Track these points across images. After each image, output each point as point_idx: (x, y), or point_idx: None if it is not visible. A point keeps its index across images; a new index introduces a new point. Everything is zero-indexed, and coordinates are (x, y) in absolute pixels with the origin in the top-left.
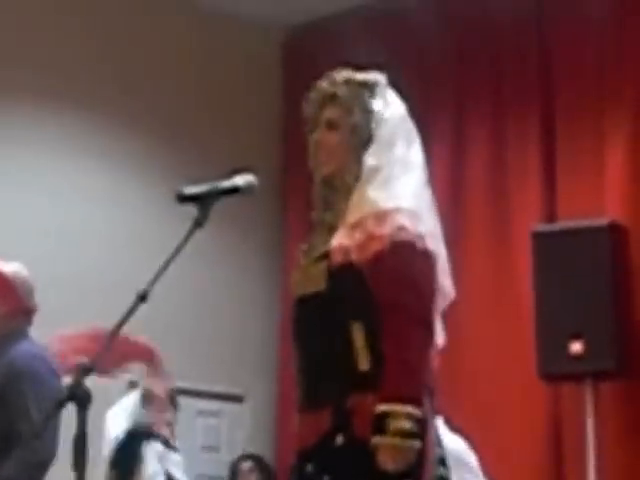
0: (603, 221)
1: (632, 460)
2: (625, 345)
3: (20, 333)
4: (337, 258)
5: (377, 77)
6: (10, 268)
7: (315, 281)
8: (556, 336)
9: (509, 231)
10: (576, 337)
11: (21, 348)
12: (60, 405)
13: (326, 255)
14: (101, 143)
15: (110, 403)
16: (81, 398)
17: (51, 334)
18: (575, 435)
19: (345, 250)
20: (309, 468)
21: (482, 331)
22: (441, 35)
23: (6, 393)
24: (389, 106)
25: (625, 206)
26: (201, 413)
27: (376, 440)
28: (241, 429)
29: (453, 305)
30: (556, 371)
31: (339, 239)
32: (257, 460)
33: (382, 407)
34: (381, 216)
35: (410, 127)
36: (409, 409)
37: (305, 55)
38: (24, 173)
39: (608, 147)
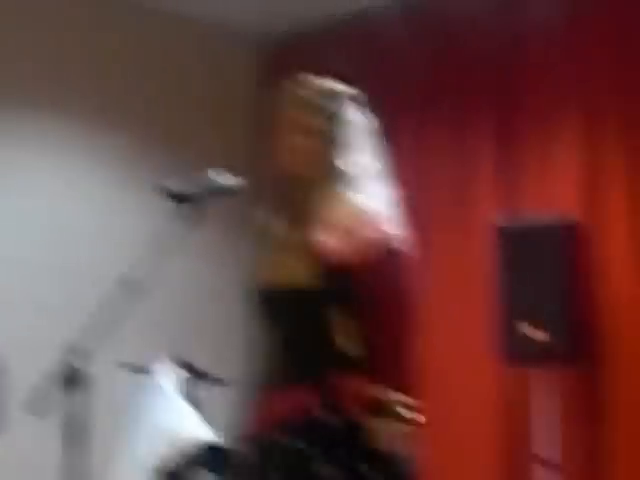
0: (559, 218)
1: (587, 441)
2: (580, 332)
3: None
4: (327, 256)
5: (343, 86)
6: None
7: (299, 274)
8: (515, 322)
9: (472, 226)
10: (535, 324)
11: None
12: (53, 385)
13: (305, 250)
14: (89, 144)
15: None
16: (73, 379)
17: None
18: (534, 417)
19: (339, 251)
20: (283, 441)
21: (447, 319)
22: (407, 43)
23: None
24: (353, 114)
25: (580, 204)
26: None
27: (376, 423)
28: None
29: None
30: (514, 355)
31: (329, 238)
32: None
33: (378, 394)
34: (371, 221)
35: (371, 133)
36: (401, 397)
37: (278, 61)
38: (20, 173)
39: (562, 147)
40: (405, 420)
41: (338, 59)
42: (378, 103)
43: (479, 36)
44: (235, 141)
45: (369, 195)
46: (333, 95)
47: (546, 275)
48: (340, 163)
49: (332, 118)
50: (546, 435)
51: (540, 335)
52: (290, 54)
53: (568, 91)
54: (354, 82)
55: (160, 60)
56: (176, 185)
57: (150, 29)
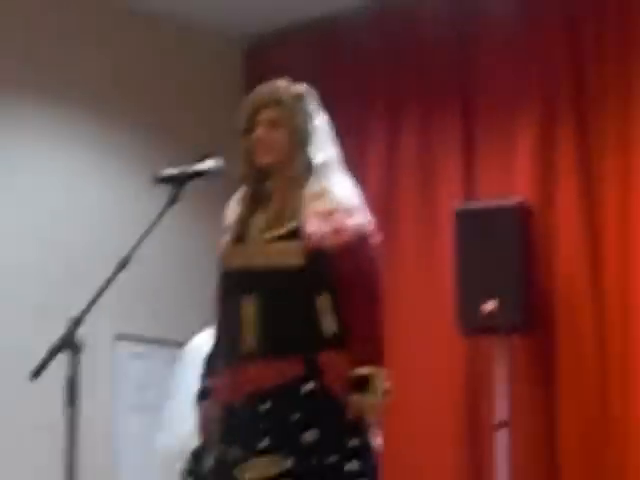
0: (512, 201)
1: (535, 401)
2: (530, 305)
3: None
4: (314, 241)
5: (309, 88)
6: None
7: (288, 256)
8: (473, 297)
9: (435, 209)
10: (490, 297)
11: None
12: (56, 351)
13: (294, 236)
14: (90, 135)
15: (97, 352)
16: (74, 346)
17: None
18: (489, 380)
19: (320, 236)
20: (265, 406)
21: (412, 294)
22: (377, 46)
23: None
24: (319, 112)
25: (531, 189)
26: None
27: (359, 398)
28: None
29: (388, 271)
30: (473, 326)
31: (313, 225)
32: None
33: (363, 370)
34: (348, 211)
35: (331, 130)
36: (384, 372)
37: (263, 61)
38: (27, 161)
39: (519, 138)
40: (382, 392)
41: (315, 57)
42: (349, 99)
43: (441, 37)
44: (221, 132)
45: (342, 185)
46: (303, 96)
47: (500, 253)
48: (316, 156)
49: (305, 116)
50: (501, 398)
51: (495, 308)
52: (273, 54)
53: (523, 88)
54: (325, 80)
55: (154, 61)
56: (165, 171)
57: (143, 32)
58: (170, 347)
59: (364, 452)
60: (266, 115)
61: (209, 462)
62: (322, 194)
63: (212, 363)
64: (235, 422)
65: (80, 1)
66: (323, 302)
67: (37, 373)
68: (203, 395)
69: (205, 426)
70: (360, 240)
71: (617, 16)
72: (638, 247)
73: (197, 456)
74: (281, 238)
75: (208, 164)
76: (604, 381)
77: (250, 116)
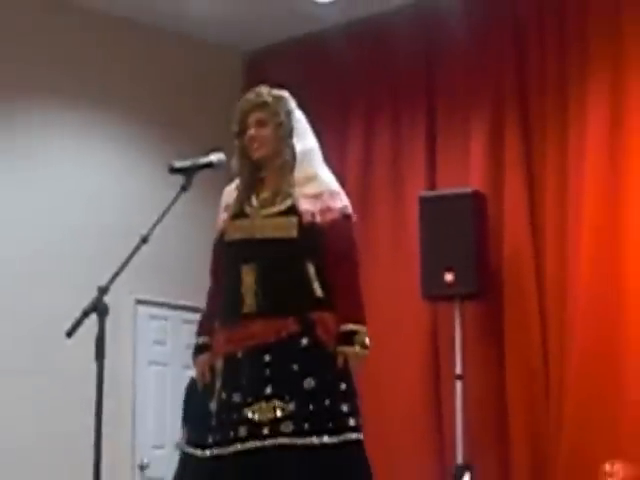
0: (468, 189)
1: (487, 357)
2: (482, 276)
3: None
4: (307, 218)
5: (287, 93)
6: None
7: (284, 229)
8: (435, 269)
9: (403, 195)
10: (449, 270)
11: None
12: (86, 314)
13: (289, 212)
14: (112, 131)
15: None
16: (102, 310)
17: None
18: (448, 339)
19: (312, 213)
20: (267, 358)
21: (384, 266)
22: (356, 58)
23: None
24: (297, 110)
25: (483, 179)
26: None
27: (346, 349)
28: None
29: (364, 247)
30: (434, 294)
31: (305, 204)
32: None
33: (350, 326)
34: (334, 193)
35: (309, 124)
36: (366, 329)
37: (260, 71)
38: (55, 153)
39: (473, 137)
40: (364, 346)
41: (303, 68)
42: (332, 103)
43: (409, 52)
44: (224, 132)
45: (325, 171)
46: (283, 98)
47: (458, 233)
48: (298, 145)
49: (288, 113)
50: (458, 355)
51: (453, 279)
52: (268, 65)
53: (476, 96)
54: (312, 87)
55: (170, 72)
56: (178, 162)
57: (162, 48)
58: (181, 310)
59: (351, 395)
60: (254, 117)
61: (212, 406)
62: (311, 178)
63: (206, 323)
64: (237, 371)
65: (115, 24)
66: (313, 269)
67: (71, 332)
68: (199, 350)
69: (204, 375)
70: (344, 219)
71: (555, 36)
72: (573, 226)
73: (189, 394)
74: (278, 214)
75: (213, 157)
76: (544, 339)
77: (241, 119)
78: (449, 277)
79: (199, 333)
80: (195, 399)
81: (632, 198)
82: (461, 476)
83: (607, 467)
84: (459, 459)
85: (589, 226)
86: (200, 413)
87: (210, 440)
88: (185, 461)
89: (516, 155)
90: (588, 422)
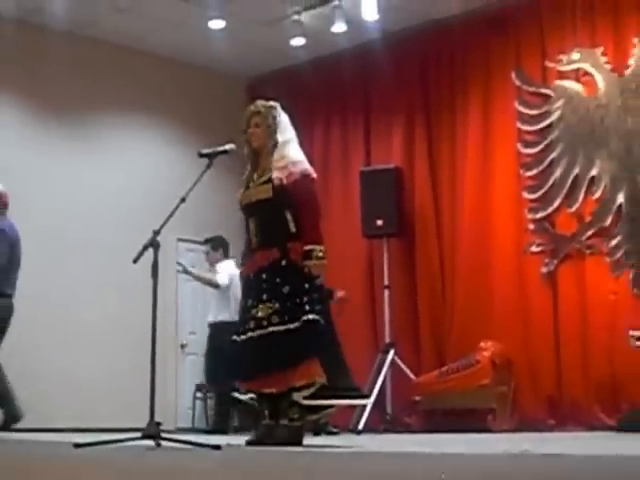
0: (391, 165)
1: (404, 273)
2: (400, 222)
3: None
4: (277, 182)
5: (275, 103)
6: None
7: (265, 193)
8: (370, 218)
9: (350, 169)
10: (379, 218)
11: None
12: (146, 248)
13: (268, 181)
14: (156, 132)
15: (168, 248)
16: (155, 245)
17: (142, 223)
18: (379, 262)
19: (280, 179)
20: (264, 276)
21: (337, 215)
22: (320, 83)
23: None
24: (282, 115)
25: (401, 160)
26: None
27: (307, 262)
28: None
29: (325, 203)
30: (370, 234)
31: (276, 174)
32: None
33: (309, 246)
34: (295, 162)
35: (290, 124)
36: (321, 247)
37: (259, 92)
38: (119, 148)
39: (394, 133)
40: (322, 259)
41: (290, 90)
42: (309, 112)
43: (353, 79)
44: (235, 134)
45: (294, 151)
46: (274, 108)
47: (385, 194)
48: (280, 138)
49: (274, 117)
50: (386, 272)
51: (382, 224)
52: (265, 88)
53: (397, 107)
54: (298, 103)
55: (192, 92)
56: (204, 150)
57: (186, 76)
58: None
59: (312, 291)
60: (253, 120)
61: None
62: (283, 157)
63: (244, 254)
64: (249, 286)
65: (158, 61)
66: (290, 215)
67: (136, 260)
68: (240, 273)
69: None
70: (303, 178)
71: (447, 70)
72: (459, 190)
73: None
74: (262, 183)
75: (227, 146)
76: (441, 260)
77: (246, 122)
78: (379, 222)
79: (241, 264)
80: None
81: (497, 173)
82: (388, 350)
83: (482, 344)
84: (387, 339)
85: (469, 189)
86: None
87: (240, 329)
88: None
89: (422, 145)
90: (470, 313)
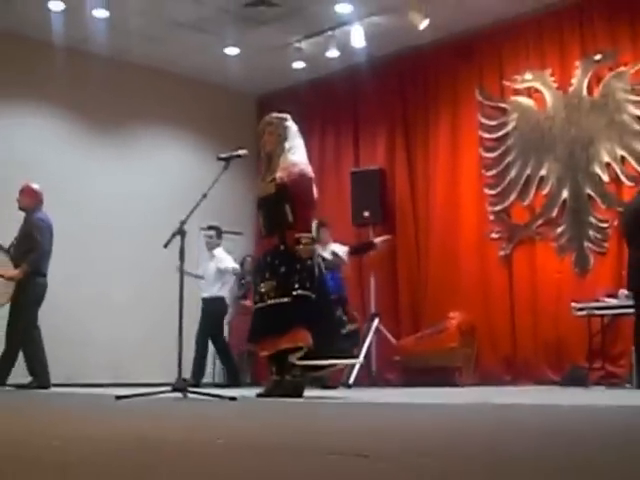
0: (376, 167)
1: (386, 261)
2: (383, 213)
3: (38, 209)
4: (279, 181)
5: (286, 115)
6: (36, 185)
7: (270, 190)
8: (359, 209)
9: (342, 170)
10: (366, 210)
11: (37, 216)
12: (174, 235)
13: (273, 180)
14: (182, 142)
15: (192, 236)
16: (182, 233)
17: (171, 215)
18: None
19: (282, 178)
20: (268, 259)
21: (332, 208)
22: (317, 99)
23: (33, 233)
24: (291, 126)
25: (385, 162)
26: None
27: (297, 247)
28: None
29: (322, 198)
30: (359, 222)
31: (279, 174)
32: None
33: (298, 234)
34: (295, 164)
35: (298, 132)
36: (308, 235)
37: (267, 107)
38: (153, 155)
39: (378, 140)
40: (307, 245)
41: (295, 105)
42: (310, 123)
43: (344, 95)
44: (247, 141)
45: (298, 155)
46: (284, 119)
47: (371, 191)
48: (287, 144)
49: (285, 127)
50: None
51: (369, 215)
52: (273, 103)
53: (380, 118)
54: (303, 115)
55: (211, 107)
56: (221, 155)
57: (203, 94)
58: (226, 234)
59: (302, 270)
60: (266, 129)
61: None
62: (286, 160)
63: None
64: (258, 267)
65: (184, 81)
66: (287, 208)
67: (166, 245)
68: (252, 256)
69: (248, 268)
70: (301, 177)
71: (422, 88)
72: (432, 187)
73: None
74: (269, 182)
75: (241, 152)
76: (418, 248)
77: (261, 130)
78: (366, 214)
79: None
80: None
81: (463, 173)
82: (373, 319)
83: (450, 314)
84: (372, 310)
85: (440, 186)
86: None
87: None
88: None
89: (401, 150)
90: (441, 288)
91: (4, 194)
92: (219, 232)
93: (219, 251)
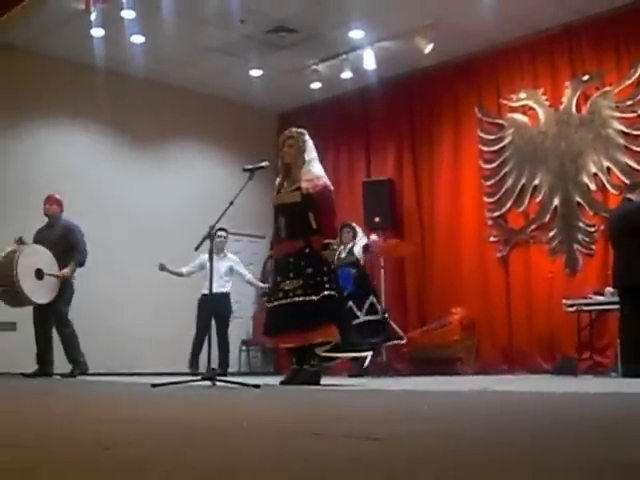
0: (386, 177)
1: (395, 262)
2: (393, 219)
3: (61, 217)
4: (304, 191)
5: (304, 130)
6: (59, 195)
7: (295, 198)
8: (371, 215)
9: (354, 180)
10: (377, 216)
11: (67, 221)
12: (205, 239)
13: (297, 189)
14: (212, 155)
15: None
16: (211, 236)
17: (203, 219)
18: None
19: (307, 188)
20: (291, 260)
21: (348, 214)
22: (332, 116)
23: (68, 235)
24: (309, 139)
25: (394, 173)
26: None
27: (325, 252)
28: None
29: (338, 205)
30: (371, 227)
31: (304, 184)
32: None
33: (327, 241)
34: (320, 177)
35: (313, 146)
36: (335, 241)
37: (287, 123)
38: (185, 167)
39: (388, 153)
40: (334, 251)
41: (313, 121)
42: (324, 138)
43: (356, 113)
44: (269, 154)
45: (318, 168)
46: (303, 134)
47: (381, 199)
48: (307, 157)
49: (304, 141)
50: (382, 261)
51: (379, 220)
52: (292, 119)
53: (389, 134)
54: (319, 130)
55: (237, 124)
56: (246, 166)
57: (229, 111)
58: (247, 236)
59: (330, 272)
60: (287, 142)
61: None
62: (309, 172)
63: (273, 244)
64: (279, 266)
65: (210, 99)
66: (310, 215)
67: (197, 247)
68: (271, 257)
69: (269, 268)
70: (324, 188)
71: (428, 110)
72: (436, 195)
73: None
74: (292, 190)
75: (264, 163)
76: (423, 250)
77: (281, 143)
78: (377, 219)
79: (271, 248)
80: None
81: (464, 183)
82: (385, 312)
83: (453, 309)
84: (383, 306)
85: (443, 195)
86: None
87: (271, 298)
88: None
89: (408, 162)
90: (444, 286)
91: None
92: (227, 234)
93: (229, 253)
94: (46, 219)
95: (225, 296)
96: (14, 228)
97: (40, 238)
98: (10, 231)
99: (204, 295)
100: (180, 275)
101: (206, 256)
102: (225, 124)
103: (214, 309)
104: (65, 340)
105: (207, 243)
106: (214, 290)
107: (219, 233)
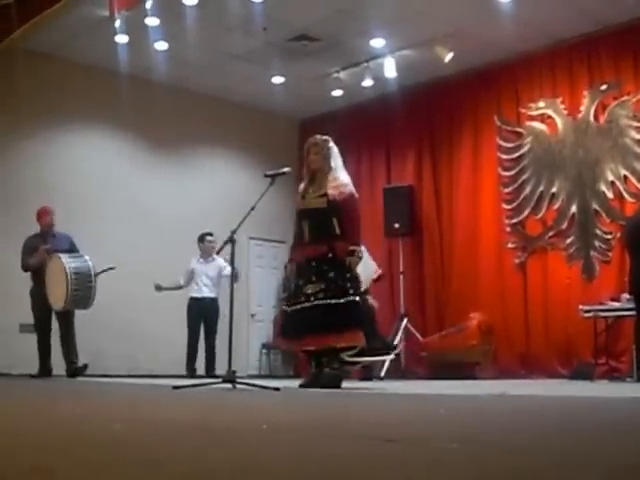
0: (406, 184)
1: (414, 261)
2: (412, 225)
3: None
4: (331, 197)
5: (329, 137)
6: (51, 207)
7: (321, 203)
8: (390, 222)
9: (375, 187)
10: (396, 222)
11: (61, 232)
12: (226, 243)
13: (324, 195)
14: (233, 161)
15: (242, 244)
16: (233, 241)
17: (224, 224)
18: (396, 255)
19: (333, 195)
20: (313, 263)
21: (368, 221)
22: (354, 123)
23: (73, 244)
24: (334, 147)
25: (414, 180)
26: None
27: (351, 258)
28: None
29: (361, 212)
30: (390, 233)
31: (331, 191)
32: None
33: (353, 247)
34: (346, 185)
35: (338, 153)
36: (361, 248)
37: (309, 130)
38: (206, 173)
39: (408, 160)
40: (358, 256)
41: (332, 128)
42: (347, 145)
43: (377, 121)
44: (290, 160)
45: (344, 175)
46: (328, 141)
47: (401, 206)
48: (332, 164)
49: (329, 148)
50: (401, 261)
51: (399, 226)
52: (313, 126)
53: (409, 141)
54: (341, 136)
55: (258, 129)
56: (268, 172)
57: (253, 118)
58: (270, 242)
59: (354, 279)
60: (312, 149)
61: (291, 286)
62: (335, 179)
63: (292, 248)
64: (301, 270)
65: (230, 105)
66: (336, 221)
67: (218, 252)
68: (290, 260)
69: (289, 272)
70: (350, 197)
71: (447, 115)
72: (455, 202)
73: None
74: (319, 196)
75: (286, 169)
76: (442, 256)
77: (307, 150)
78: (396, 226)
79: (290, 252)
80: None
81: (483, 190)
82: (402, 319)
83: (471, 314)
84: (402, 310)
85: (462, 201)
86: (288, 288)
87: (290, 302)
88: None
89: (428, 169)
90: (463, 292)
91: (82, 206)
92: (214, 237)
93: (216, 256)
94: (38, 229)
95: (213, 301)
96: (36, 229)
97: (53, 249)
98: (33, 231)
99: (193, 299)
100: (180, 288)
101: (194, 260)
102: (247, 130)
103: (204, 313)
104: (72, 341)
105: (197, 248)
106: (203, 295)
107: (208, 238)
